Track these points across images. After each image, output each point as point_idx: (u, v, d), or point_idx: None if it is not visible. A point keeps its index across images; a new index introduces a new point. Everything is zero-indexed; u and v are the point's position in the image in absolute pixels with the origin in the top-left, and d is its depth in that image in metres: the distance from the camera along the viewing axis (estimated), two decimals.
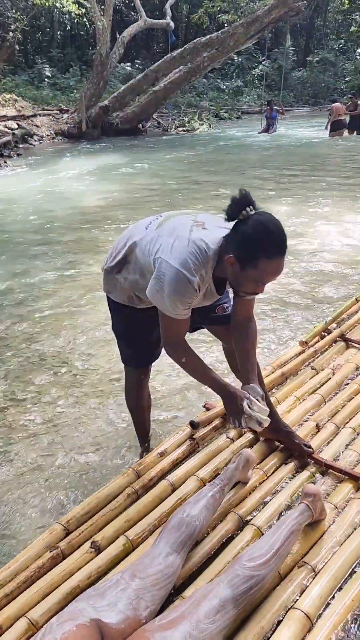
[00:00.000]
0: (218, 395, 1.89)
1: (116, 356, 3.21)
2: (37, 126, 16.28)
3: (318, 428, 2.21)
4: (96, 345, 3.50)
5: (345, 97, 20.04)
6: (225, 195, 7.98)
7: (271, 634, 1.36)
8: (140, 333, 2.07)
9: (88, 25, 21.29)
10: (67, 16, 22.24)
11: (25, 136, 15.21)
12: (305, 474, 1.94)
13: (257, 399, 1.81)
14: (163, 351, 2.03)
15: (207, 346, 3.25)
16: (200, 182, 9.39)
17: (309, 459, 2.00)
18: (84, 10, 17.61)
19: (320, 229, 6.07)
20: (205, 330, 2.23)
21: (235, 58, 26.09)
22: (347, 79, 28.95)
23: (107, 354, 3.36)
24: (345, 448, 2.09)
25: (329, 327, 2.97)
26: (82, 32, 24.24)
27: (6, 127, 14.41)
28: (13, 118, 15.30)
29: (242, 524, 1.74)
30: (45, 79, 21.19)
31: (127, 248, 1.88)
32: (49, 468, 2.40)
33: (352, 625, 1.41)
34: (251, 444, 2.11)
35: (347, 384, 2.54)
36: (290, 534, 1.55)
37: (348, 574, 1.54)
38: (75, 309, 4.10)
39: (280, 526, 1.57)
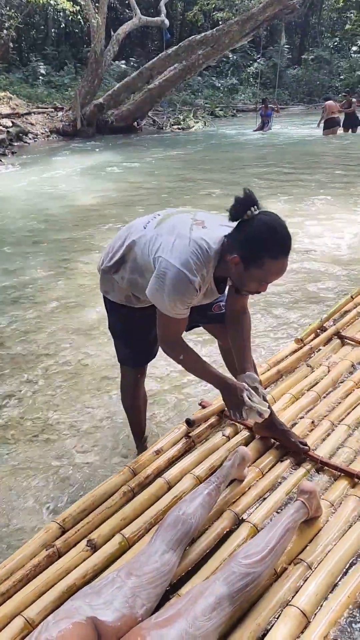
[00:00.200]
0: (217, 389, 1.90)
1: (111, 355, 3.21)
2: (32, 124, 16.23)
3: (314, 425, 2.22)
4: (91, 344, 3.49)
5: (340, 95, 20.07)
6: (216, 195, 7.99)
7: (267, 631, 1.36)
8: (138, 332, 2.06)
9: (82, 23, 21.19)
10: (61, 14, 22.12)
11: (20, 134, 15.16)
12: (301, 471, 1.94)
13: (255, 386, 1.82)
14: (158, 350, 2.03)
15: (201, 344, 3.25)
16: (195, 180, 9.39)
17: (304, 457, 2.01)
18: (78, 8, 17.53)
19: (314, 226, 6.08)
20: (200, 329, 2.24)
21: (230, 56, 26.08)
22: (341, 76, 29.01)
23: (102, 352, 3.36)
24: (341, 445, 2.09)
25: (324, 325, 2.97)
26: (77, 30, 24.16)
27: (0, 125, 14.36)
28: (7, 116, 15.24)
29: (238, 521, 1.74)
30: (40, 77, 21.09)
31: (125, 247, 1.86)
32: (44, 466, 2.39)
33: (348, 622, 1.41)
34: (247, 442, 2.11)
35: (343, 381, 2.54)
36: (286, 531, 1.55)
37: (344, 570, 1.55)
38: (69, 308, 4.09)
39: (276, 523, 1.57)
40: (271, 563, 1.47)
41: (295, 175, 9.47)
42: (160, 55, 17.01)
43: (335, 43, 31.96)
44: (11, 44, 19.51)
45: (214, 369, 1.88)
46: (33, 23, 23.72)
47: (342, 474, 1.91)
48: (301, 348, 2.78)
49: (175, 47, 16.80)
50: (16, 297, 4.33)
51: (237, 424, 2.20)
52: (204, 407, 2.29)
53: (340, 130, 15.45)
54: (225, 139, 15.95)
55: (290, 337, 3.38)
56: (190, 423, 2.16)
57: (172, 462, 2.02)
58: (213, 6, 21.96)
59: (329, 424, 2.21)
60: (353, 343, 2.85)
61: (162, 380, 2.97)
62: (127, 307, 1.99)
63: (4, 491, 2.25)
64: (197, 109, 21.44)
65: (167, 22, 20.12)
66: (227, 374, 2.28)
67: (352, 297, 3.31)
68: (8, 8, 16.63)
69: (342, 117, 15.43)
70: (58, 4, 17.09)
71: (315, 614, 1.41)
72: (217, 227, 1.74)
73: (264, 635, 1.36)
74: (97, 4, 15.93)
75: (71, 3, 17.51)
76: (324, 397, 2.42)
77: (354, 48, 31.02)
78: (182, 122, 19.39)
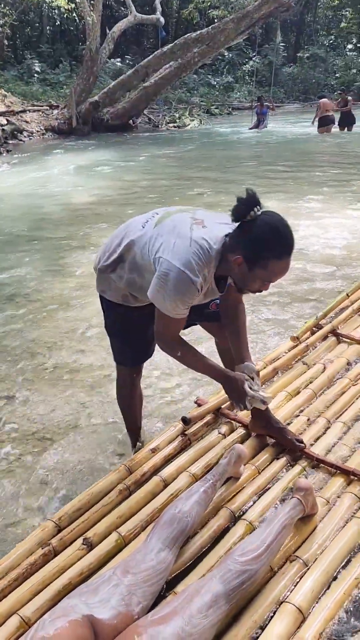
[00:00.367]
0: (218, 382, 1.91)
1: (106, 353, 3.21)
2: (27, 122, 16.18)
3: (309, 423, 2.22)
4: (86, 342, 3.49)
5: (335, 93, 20.08)
6: (211, 193, 7.98)
7: (263, 628, 1.37)
8: (136, 332, 2.06)
9: (78, 21, 21.17)
10: (56, 11, 22.08)
11: (15, 132, 15.12)
12: (297, 468, 1.95)
13: (252, 377, 1.84)
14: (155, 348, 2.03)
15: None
16: (191, 178, 9.39)
17: (300, 454, 2.01)
18: (73, 5, 17.50)
19: (310, 224, 6.09)
20: (197, 327, 2.24)
21: (225, 54, 26.05)
22: (337, 75, 29.05)
23: (97, 350, 3.35)
24: (337, 442, 2.09)
25: (320, 323, 2.97)
26: (72, 28, 24.10)
27: None
28: (2, 114, 15.20)
29: (234, 519, 1.74)
30: (35, 75, 21.04)
31: (124, 247, 1.86)
32: (40, 465, 2.39)
33: (344, 619, 1.41)
34: (243, 440, 2.11)
35: (338, 378, 2.55)
36: (282, 529, 1.55)
37: (340, 567, 1.55)
38: (65, 306, 4.08)
39: (272, 521, 1.57)
40: (267, 561, 1.47)
41: (291, 173, 9.48)
42: (155, 53, 16.97)
43: (331, 41, 31.98)
44: (6, 42, 19.47)
45: (213, 363, 1.89)
46: (28, 20, 23.65)
47: (338, 472, 1.91)
48: (297, 346, 2.78)
49: (171, 45, 16.76)
50: (11, 295, 4.32)
51: (232, 422, 2.20)
52: (199, 405, 2.28)
53: (336, 129, 15.45)
54: (221, 137, 15.95)
55: (285, 334, 3.39)
56: (186, 421, 2.16)
57: (168, 460, 2.02)
58: (208, 4, 21.94)
59: (325, 422, 2.22)
60: (349, 341, 2.85)
61: (158, 378, 2.97)
62: (124, 306, 1.99)
63: None
64: (192, 107, 21.42)
65: (162, 19, 20.05)
66: None
67: (347, 294, 3.32)
68: (2, 5, 16.57)
69: (337, 115, 15.43)
70: (53, 2, 17.06)
71: (311, 611, 1.41)
72: (217, 225, 1.74)
73: (260, 632, 1.36)
74: (92, 2, 15.87)
75: (66, 0, 17.48)
76: (320, 395, 2.42)
77: (350, 46, 31.07)
78: (177, 120, 19.38)
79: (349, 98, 15.60)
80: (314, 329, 2.94)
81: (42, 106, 17.54)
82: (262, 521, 1.69)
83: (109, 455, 2.43)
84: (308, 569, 1.53)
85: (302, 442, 2.01)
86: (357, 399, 2.38)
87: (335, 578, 1.52)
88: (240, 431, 2.15)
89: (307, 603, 1.42)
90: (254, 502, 1.80)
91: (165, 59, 16.53)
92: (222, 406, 2.26)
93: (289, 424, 2.20)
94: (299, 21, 32.13)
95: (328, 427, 2.19)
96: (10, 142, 14.48)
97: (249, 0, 17.68)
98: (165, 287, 1.67)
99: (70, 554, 1.61)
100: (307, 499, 1.66)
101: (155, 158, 11.98)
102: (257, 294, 1.78)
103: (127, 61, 23.77)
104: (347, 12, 30.20)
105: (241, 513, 1.76)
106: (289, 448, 2.03)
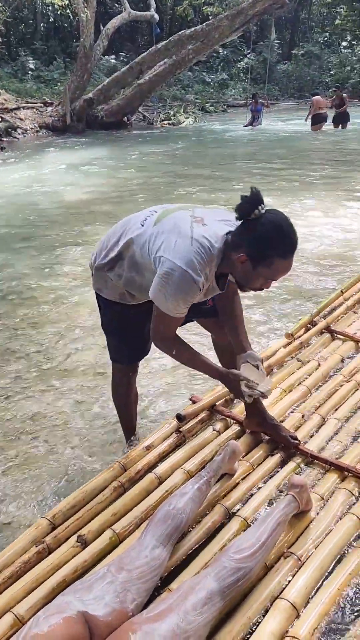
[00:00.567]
0: (215, 379, 1.92)
1: (101, 351, 3.20)
2: (21, 119, 16.10)
3: (304, 419, 2.22)
4: (81, 340, 3.48)
5: (330, 90, 20.07)
6: (206, 190, 7.97)
7: (258, 624, 1.37)
8: (133, 329, 2.05)
9: (72, 17, 21.07)
10: (50, 8, 22.00)
11: (9, 129, 15.05)
12: (291, 465, 1.95)
13: (257, 364, 1.86)
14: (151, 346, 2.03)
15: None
16: (185, 175, 9.37)
17: (295, 451, 2.01)
18: (67, 2, 17.43)
19: (303, 222, 6.09)
20: (194, 324, 2.24)
21: (220, 51, 26.03)
22: (332, 72, 29.05)
23: (92, 348, 3.35)
24: (331, 439, 2.10)
25: (314, 320, 2.98)
26: (66, 24, 24.00)
27: None
28: None
29: (229, 515, 1.74)
30: (29, 72, 20.95)
31: (122, 245, 1.85)
32: (34, 463, 2.38)
33: (338, 615, 1.42)
34: (238, 437, 2.11)
35: (333, 375, 2.55)
36: (277, 525, 1.56)
37: (334, 563, 1.55)
38: (60, 303, 4.07)
39: (266, 518, 1.58)
40: (262, 557, 1.47)
41: (285, 171, 9.48)
42: (150, 50, 16.91)
43: (325, 38, 31.99)
44: (0, 39, 19.35)
45: (209, 361, 1.90)
46: (22, 17, 23.55)
47: (332, 468, 1.92)
48: (291, 343, 2.78)
49: (165, 41, 16.71)
50: (5, 293, 4.30)
51: (227, 418, 2.20)
52: (194, 402, 2.28)
53: (330, 126, 15.44)
54: (216, 135, 15.93)
55: (280, 331, 3.39)
56: (180, 418, 2.16)
57: (162, 457, 2.02)
58: (203, 1, 21.90)
59: (319, 418, 2.22)
60: (343, 337, 2.86)
61: (152, 376, 2.97)
62: (120, 304, 1.98)
63: None
64: (187, 105, 21.37)
65: (156, 16, 20.00)
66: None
67: (342, 291, 3.32)
68: None
69: (331, 112, 15.43)
70: None
71: (305, 607, 1.41)
72: (216, 223, 1.75)
73: (255, 628, 1.36)
74: None
75: None
76: (314, 391, 2.43)
77: (344, 43, 31.07)
78: (172, 118, 19.33)
79: (344, 95, 15.58)
80: (308, 325, 2.94)
81: (36, 103, 17.45)
82: (256, 518, 1.69)
83: (104, 452, 2.43)
84: (302, 565, 1.54)
85: (296, 438, 2.02)
86: (351, 395, 2.39)
87: (329, 574, 1.52)
88: (235, 428, 2.16)
89: (301, 599, 1.42)
90: (249, 499, 1.80)
91: (159, 56, 16.48)
92: (217, 403, 2.26)
93: (283, 420, 2.20)
94: (293, 18, 32.10)
95: (322, 424, 2.20)
96: (4, 139, 14.42)
97: None
98: (167, 287, 1.66)
99: (64, 551, 1.60)
100: (301, 496, 1.67)
101: (149, 155, 11.96)
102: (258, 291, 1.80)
103: (122, 58, 23.71)
104: (342, 9, 30.20)
105: (236, 510, 1.76)
106: (284, 444, 2.03)
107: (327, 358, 2.67)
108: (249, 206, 1.62)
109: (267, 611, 1.40)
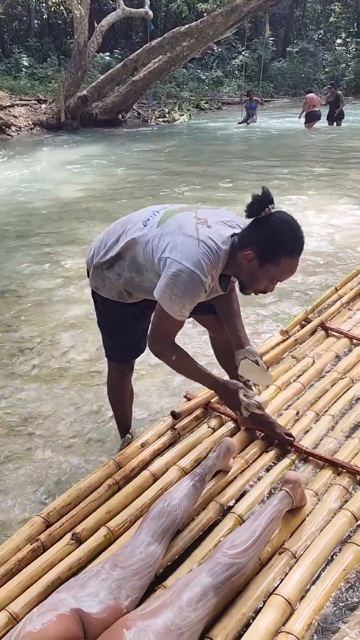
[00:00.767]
0: (211, 390, 1.91)
1: (96, 348, 3.20)
2: (15, 117, 16.00)
3: (298, 416, 2.23)
4: (75, 338, 3.47)
5: (324, 87, 20.07)
6: (201, 188, 7.97)
7: (252, 620, 1.37)
8: (129, 328, 2.05)
9: (65, 14, 20.98)
10: (44, 5, 21.91)
11: (3, 127, 14.96)
12: (285, 461, 1.96)
13: (256, 360, 1.87)
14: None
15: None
16: (180, 173, 9.36)
17: (289, 447, 2.02)
18: None
19: (298, 219, 6.08)
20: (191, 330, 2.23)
21: (215, 48, 25.94)
22: (326, 69, 29.05)
23: (87, 346, 3.34)
24: (325, 435, 2.11)
25: (309, 317, 2.99)
26: (60, 21, 23.91)
27: None
28: None
29: (223, 512, 1.75)
30: (23, 69, 20.82)
31: (123, 245, 1.84)
32: (29, 461, 2.38)
33: (332, 610, 1.42)
34: (232, 434, 2.11)
35: (327, 372, 2.56)
36: (271, 521, 1.56)
37: (328, 559, 1.56)
38: (54, 301, 4.06)
39: (260, 514, 1.58)
40: (256, 553, 1.48)
41: (279, 168, 9.48)
42: (144, 46, 16.84)
43: (320, 35, 31.98)
44: None
45: (206, 370, 1.88)
46: (15, 14, 23.44)
47: (327, 464, 1.92)
48: (286, 339, 2.79)
49: (160, 38, 16.65)
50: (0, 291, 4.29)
51: (222, 415, 2.20)
52: (189, 399, 2.29)
53: (324, 123, 15.44)
54: (210, 132, 15.91)
55: (275, 328, 3.39)
56: (175, 415, 2.16)
57: (157, 455, 2.02)
58: None
59: (314, 415, 2.23)
60: (337, 334, 2.87)
61: (147, 373, 2.97)
62: (117, 302, 1.97)
63: None
64: (182, 102, 21.32)
65: (151, 13, 19.90)
66: (220, 369, 2.29)
67: (336, 289, 3.33)
68: None
69: (325, 109, 15.42)
70: None
71: (299, 603, 1.42)
72: (220, 225, 1.75)
73: (249, 624, 1.37)
74: None
75: None
76: (309, 388, 2.44)
77: (338, 41, 31.06)
78: (167, 115, 19.27)
79: (339, 92, 15.56)
80: (303, 322, 2.95)
81: (30, 100, 17.34)
82: (250, 514, 1.70)
83: (98, 450, 2.42)
84: (297, 560, 1.54)
85: (291, 435, 2.02)
86: (345, 392, 2.40)
87: (323, 569, 1.52)
88: (230, 425, 2.16)
89: (296, 595, 1.43)
90: (243, 495, 1.80)
91: (154, 52, 16.42)
92: (212, 400, 2.26)
93: (278, 417, 2.20)
94: (288, 15, 32.05)
95: (317, 420, 2.21)
96: None
97: None
98: (175, 287, 1.66)
99: (59, 549, 1.60)
100: (295, 491, 1.67)
101: (144, 153, 11.93)
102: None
103: (116, 55, 23.58)
104: (336, 7, 30.21)
105: (230, 506, 1.76)
106: (279, 441, 2.04)
107: (321, 355, 2.67)
108: (259, 205, 1.64)
109: (261, 607, 1.41)
